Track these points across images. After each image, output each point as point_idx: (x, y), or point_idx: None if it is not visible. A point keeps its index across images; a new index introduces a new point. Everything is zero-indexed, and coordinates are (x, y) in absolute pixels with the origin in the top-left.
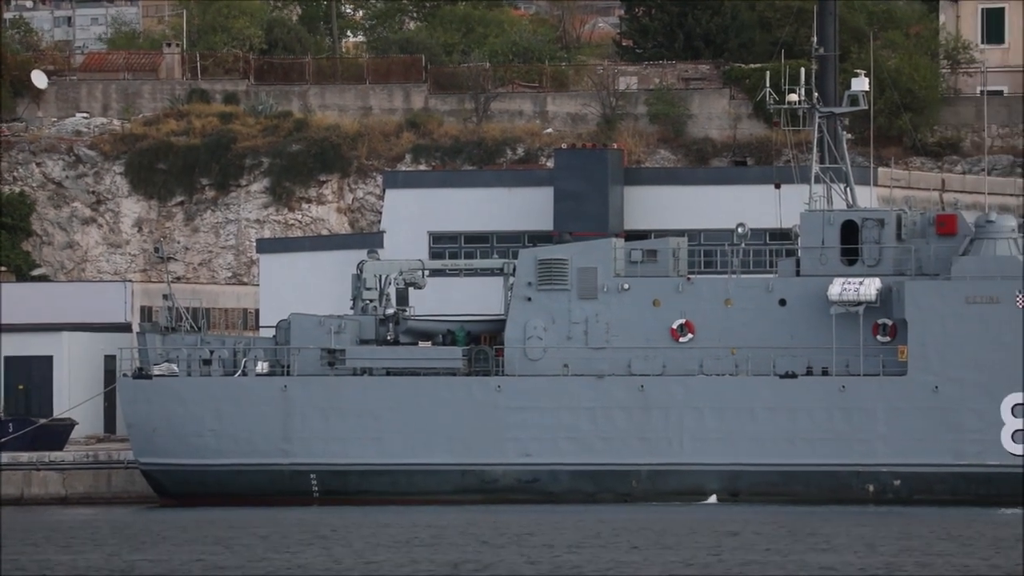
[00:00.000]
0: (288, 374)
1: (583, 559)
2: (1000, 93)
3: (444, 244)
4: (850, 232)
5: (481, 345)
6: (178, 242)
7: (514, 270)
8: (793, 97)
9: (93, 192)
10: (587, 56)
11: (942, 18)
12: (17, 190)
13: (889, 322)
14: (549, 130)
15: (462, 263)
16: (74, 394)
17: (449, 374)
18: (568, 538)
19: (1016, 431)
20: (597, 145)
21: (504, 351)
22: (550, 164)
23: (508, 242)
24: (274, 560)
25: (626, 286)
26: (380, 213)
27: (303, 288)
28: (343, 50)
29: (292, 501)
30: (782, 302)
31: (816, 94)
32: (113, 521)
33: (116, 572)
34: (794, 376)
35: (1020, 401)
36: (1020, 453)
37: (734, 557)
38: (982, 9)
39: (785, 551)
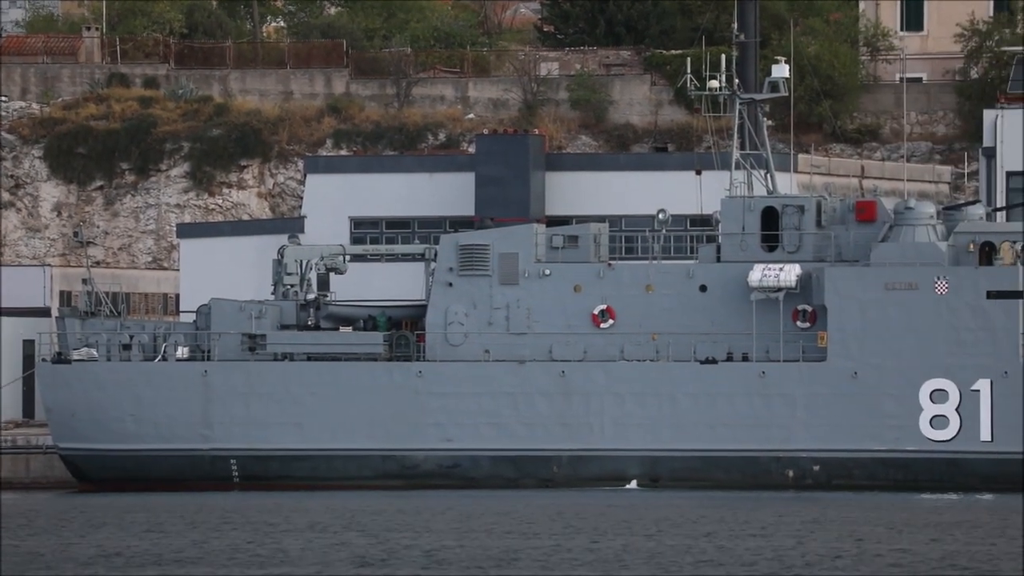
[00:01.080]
0: (208, 359)
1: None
2: (919, 80)
3: (365, 229)
4: (770, 218)
5: (402, 330)
6: (98, 226)
7: (435, 255)
8: (714, 84)
9: (12, 176)
10: (508, 42)
11: (862, 5)
12: None
13: (809, 308)
14: (470, 116)
15: (383, 248)
16: None
17: (370, 359)
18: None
19: (934, 417)
20: (518, 131)
21: (425, 336)
22: (471, 150)
23: (429, 227)
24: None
25: (547, 272)
26: (301, 198)
27: (224, 273)
28: (264, 35)
29: (212, 486)
30: (703, 288)
31: (737, 81)
32: (27, 506)
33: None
34: (714, 362)
35: (939, 387)
36: (938, 439)
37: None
38: None
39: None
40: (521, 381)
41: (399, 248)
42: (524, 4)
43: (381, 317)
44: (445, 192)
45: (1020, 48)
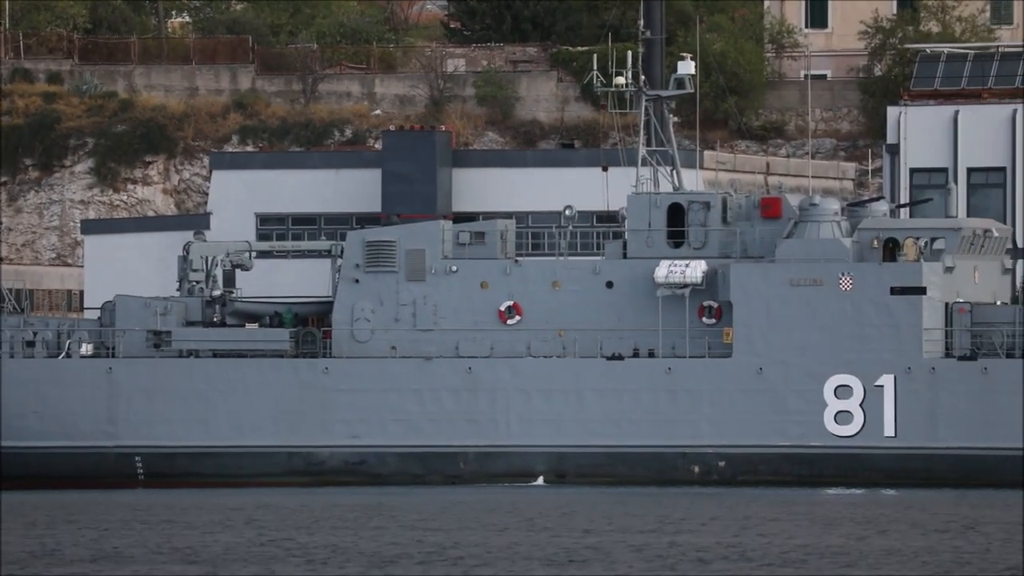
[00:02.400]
0: (113, 356)
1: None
2: (824, 77)
3: (271, 226)
4: (676, 215)
5: (308, 327)
6: (1, 223)
7: (342, 252)
8: (620, 80)
9: None
10: (415, 38)
11: (767, 3)
12: None
13: (715, 304)
14: (377, 112)
15: (289, 245)
16: None
17: (276, 356)
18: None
19: (839, 412)
20: (425, 127)
21: (332, 333)
22: (378, 146)
23: (336, 224)
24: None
25: (454, 268)
26: (207, 194)
27: (129, 270)
28: (169, 30)
29: (117, 484)
30: (609, 284)
31: (643, 77)
32: None
33: None
34: (621, 358)
35: (843, 383)
36: (842, 434)
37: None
38: None
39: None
40: (428, 377)
41: (305, 244)
42: (431, 1)
43: (287, 314)
44: (351, 188)
45: (923, 45)
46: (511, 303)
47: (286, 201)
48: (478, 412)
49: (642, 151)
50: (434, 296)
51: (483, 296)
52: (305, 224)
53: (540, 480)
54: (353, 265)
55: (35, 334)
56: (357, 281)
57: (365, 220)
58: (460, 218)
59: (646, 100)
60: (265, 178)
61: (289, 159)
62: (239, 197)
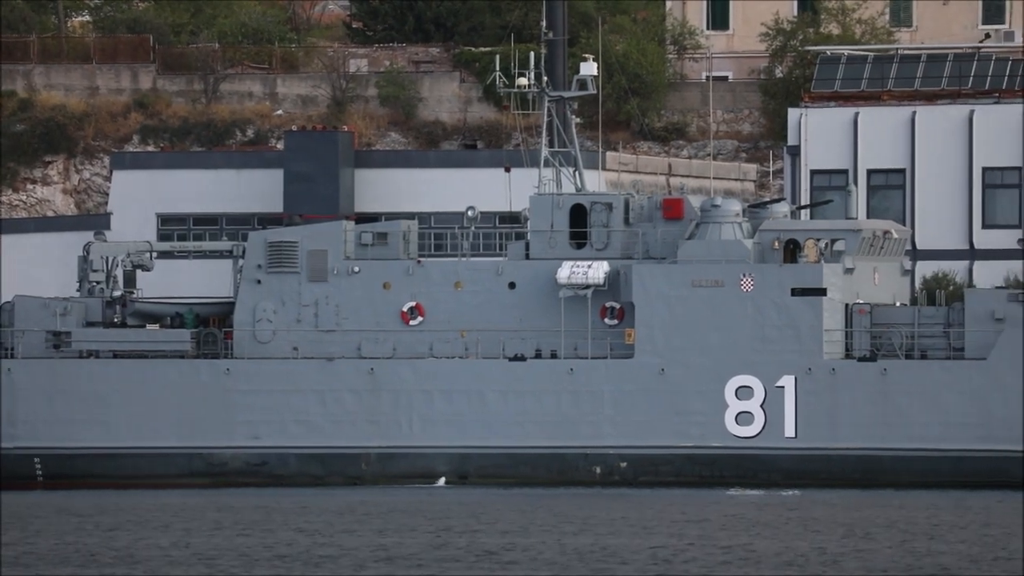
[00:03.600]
0: (12, 357)
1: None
2: (725, 79)
3: (173, 226)
4: (579, 216)
5: (210, 328)
6: None
7: (243, 252)
8: (523, 81)
9: None
10: (317, 38)
11: (668, 4)
12: None
13: (617, 305)
14: (279, 112)
15: (191, 245)
16: None
17: (177, 357)
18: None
19: (740, 413)
20: (327, 127)
21: (233, 334)
22: (280, 146)
23: (238, 224)
24: None
25: (356, 269)
26: (107, 195)
27: (28, 270)
28: (69, 29)
29: (15, 485)
30: (511, 285)
31: (545, 78)
32: None
33: None
34: (523, 359)
35: (744, 384)
36: (743, 435)
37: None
38: None
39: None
40: (330, 378)
41: (207, 245)
42: (333, 1)
43: (188, 314)
44: (253, 189)
45: (824, 48)
46: (413, 304)
47: (187, 201)
48: (380, 413)
49: (544, 152)
50: (336, 297)
51: (385, 297)
52: (206, 224)
53: (442, 481)
54: (255, 266)
55: None
56: (259, 282)
57: (267, 220)
58: (362, 219)
59: (549, 101)
60: (166, 178)
61: (190, 159)
62: (140, 197)
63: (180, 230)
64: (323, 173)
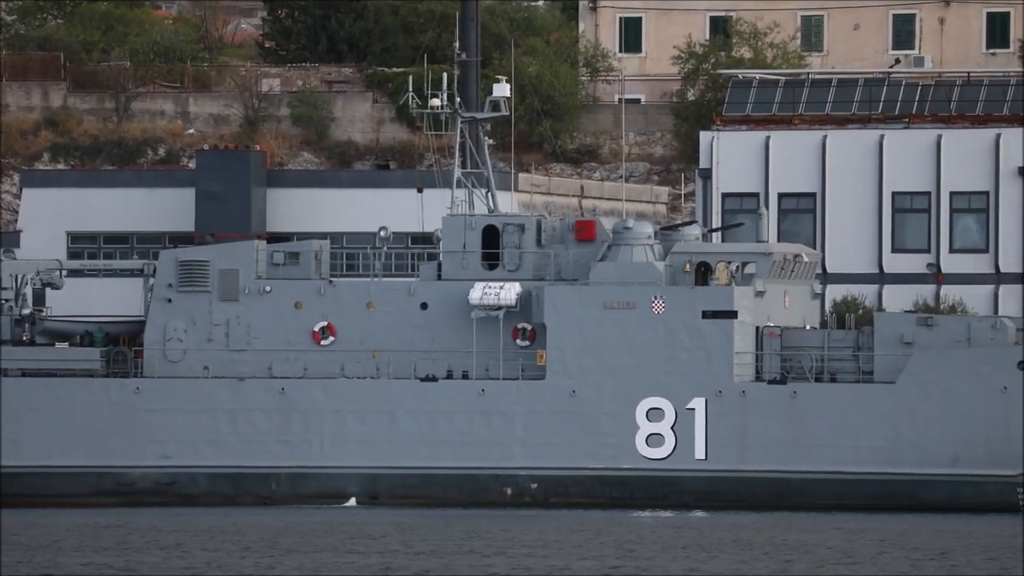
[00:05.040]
0: None
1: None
2: (638, 101)
3: (83, 244)
4: (491, 237)
5: (120, 347)
6: None
7: (154, 271)
8: (436, 102)
9: None
10: (230, 57)
11: (581, 26)
12: None
13: (529, 327)
14: (191, 131)
15: (101, 263)
16: None
17: (87, 375)
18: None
19: (650, 435)
20: (239, 147)
21: (143, 353)
22: (192, 165)
23: (148, 243)
24: None
25: (268, 288)
26: (17, 212)
27: None
28: None
29: None
30: (423, 306)
31: (458, 99)
32: None
33: None
34: (434, 379)
35: (655, 405)
36: (654, 456)
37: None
38: (620, 18)
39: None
40: (240, 398)
41: (117, 263)
42: (245, 20)
43: (98, 333)
44: (164, 207)
45: (735, 71)
46: (325, 324)
47: (98, 219)
48: (291, 433)
49: (457, 173)
50: (247, 316)
51: (297, 317)
52: (117, 243)
53: (352, 501)
54: (166, 284)
55: None
56: (170, 300)
57: (178, 239)
58: (274, 238)
59: (461, 122)
60: (77, 196)
61: (101, 177)
62: (50, 215)
63: (90, 248)
64: (235, 192)
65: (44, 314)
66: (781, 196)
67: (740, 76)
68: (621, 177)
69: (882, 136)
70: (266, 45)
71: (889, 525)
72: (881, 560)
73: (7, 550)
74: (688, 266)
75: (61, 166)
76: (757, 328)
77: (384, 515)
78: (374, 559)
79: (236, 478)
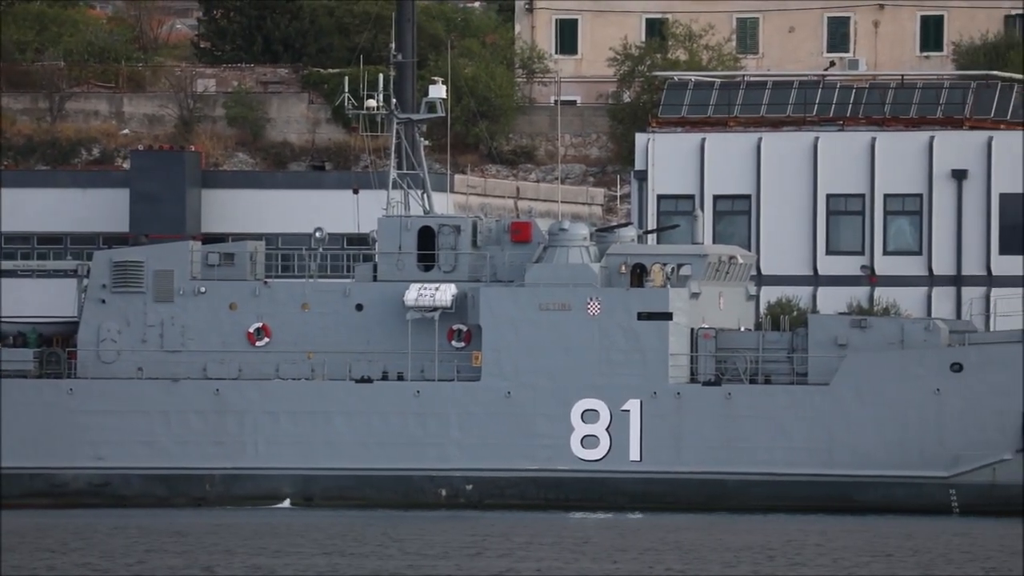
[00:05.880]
0: None
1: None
2: (573, 103)
3: (16, 245)
4: (427, 238)
5: (53, 347)
6: None
7: (88, 272)
8: (371, 103)
9: None
10: (165, 57)
11: (517, 27)
12: None
13: (464, 328)
14: (126, 131)
15: (34, 264)
16: None
17: (19, 376)
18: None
19: (585, 436)
20: (174, 147)
21: (77, 354)
22: (126, 165)
23: (82, 243)
24: None
25: (203, 289)
26: None
27: None
28: None
29: None
30: (359, 307)
31: (394, 100)
32: None
33: None
34: (370, 381)
35: (590, 407)
36: (589, 458)
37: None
38: (556, 20)
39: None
40: (174, 399)
41: (51, 264)
42: (180, 20)
43: (31, 333)
44: (99, 208)
45: (671, 73)
46: (260, 325)
47: (31, 220)
48: (225, 434)
49: (393, 174)
50: (182, 317)
51: (232, 318)
52: (51, 243)
53: (287, 502)
54: (99, 285)
55: None
56: (104, 301)
57: (112, 240)
58: (209, 239)
59: (397, 123)
60: (10, 197)
61: (35, 177)
62: None
63: (24, 249)
64: (169, 193)
65: None
66: (716, 198)
67: (675, 78)
68: (557, 179)
69: (817, 138)
70: (201, 45)
71: (825, 526)
72: (822, 560)
73: None
74: (623, 268)
75: None
76: (692, 330)
77: (318, 517)
78: (313, 560)
79: (170, 479)
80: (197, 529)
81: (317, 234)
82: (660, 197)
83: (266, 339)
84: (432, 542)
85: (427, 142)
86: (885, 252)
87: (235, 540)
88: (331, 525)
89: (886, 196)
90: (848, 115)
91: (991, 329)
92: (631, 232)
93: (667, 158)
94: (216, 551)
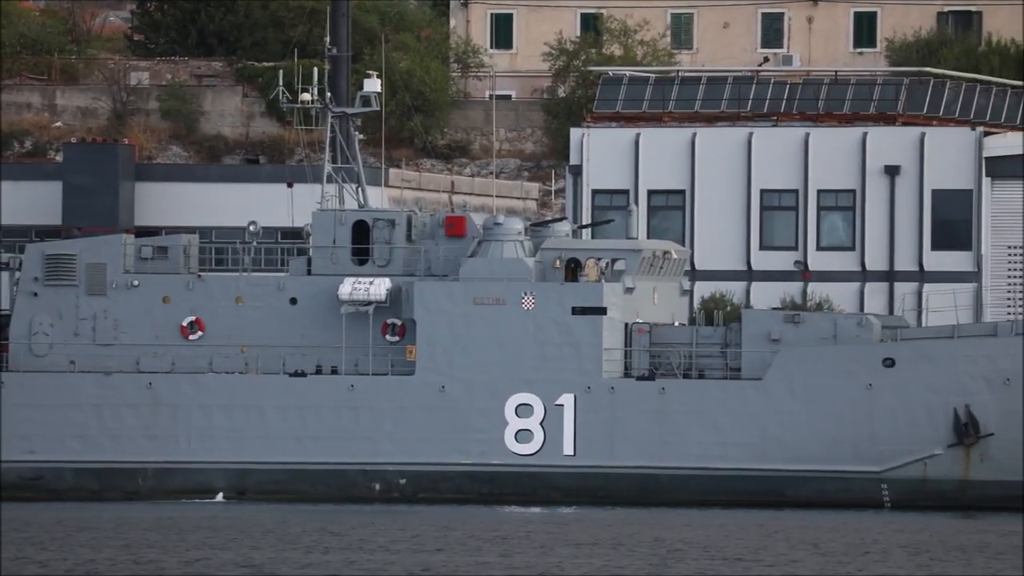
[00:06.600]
0: None
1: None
2: (509, 98)
3: None
4: (361, 232)
5: None
6: None
7: (20, 265)
8: (306, 97)
9: None
10: (98, 50)
11: (452, 22)
12: None
13: (398, 322)
14: (58, 124)
15: None
16: None
17: None
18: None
19: (519, 431)
20: (107, 140)
21: (8, 347)
22: (59, 158)
23: (14, 237)
24: None
25: (136, 283)
26: None
27: None
28: None
29: None
30: (293, 301)
31: (329, 94)
32: None
33: None
34: (303, 375)
35: (524, 401)
36: (523, 452)
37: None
38: (491, 14)
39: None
40: (107, 392)
41: None
42: (114, 12)
43: None
44: (31, 201)
45: (606, 68)
46: (193, 318)
47: None
48: (158, 428)
49: (327, 168)
50: (115, 311)
51: (165, 311)
52: None
53: (220, 496)
54: (32, 278)
55: None
56: (36, 294)
57: (45, 233)
58: (143, 232)
59: (332, 117)
60: None
61: None
62: None
63: None
64: (103, 186)
65: None
66: (651, 193)
67: (610, 73)
68: (492, 173)
69: (751, 134)
70: (135, 38)
71: (759, 520)
72: (762, 555)
73: None
74: (558, 262)
75: None
76: (626, 324)
77: (252, 510)
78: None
79: (102, 473)
80: (131, 524)
81: (251, 228)
82: (595, 192)
83: (199, 333)
84: (365, 536)
85: (362, 136)
86: (818, 248)
87: (169, 534)
88: (266, 520)
89: (819, 192)
90: (782, 111)
91: (923, 325)
92: (565, 227)
93: (602, 153)
94: (147, 546)
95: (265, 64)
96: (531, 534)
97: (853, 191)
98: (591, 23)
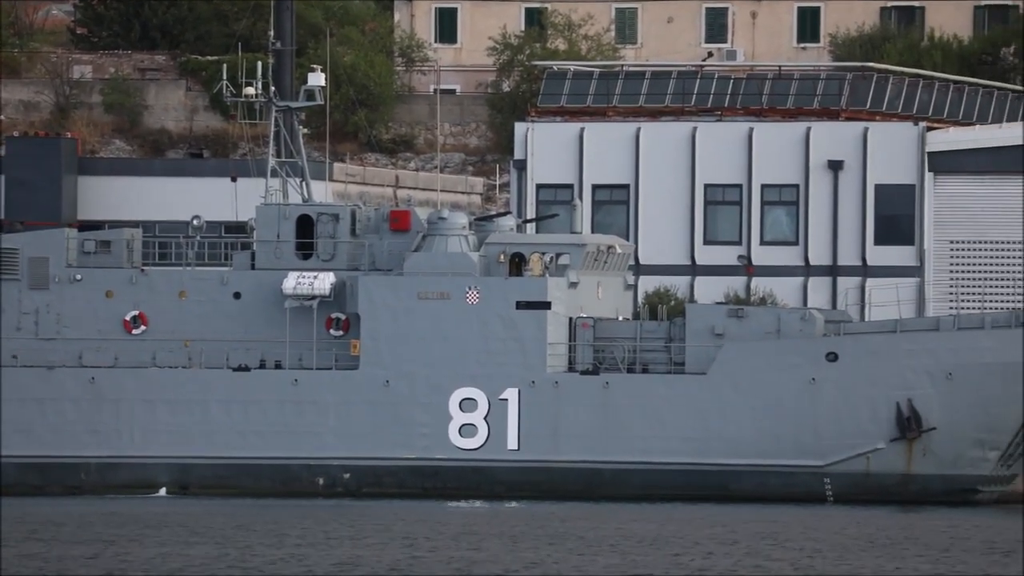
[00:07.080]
0: None
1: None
2: (453, 92)
3: None
4: (305, 226)
5: None
6: None
7: None
8: (250, 90)
9: None
10: (40, 43)
11: (397, 16)
12: None
13: (343, 316)
14: (1, 117)
15: None
16: None
17: None
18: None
19: (463, 425)
20: (50, 134)
21: None
22: (1, 152)
23: None
24: None
25: (79, 277)
26: None
27: None
28: None
29: None
30: (237, 295)
31: (273, 88)
32: None
33: None
34: (247, 369)
35: (468, 396)
36: (467, 447)
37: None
38: (435, 8)
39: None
40: (50, 387)
41: None
42: (56, 5)
43: None
44: None
45: (550, 63)
46: (136, 313)
47: None
48: (101, 422)
49: (271, 162)
50: (57, 305)
51: (108, 305)
52: None
53: (163, 491)
54: None
55: None
56: None
57: None
58: (86, 226)
59: (276, 111)
60: None
61: None
62: None
63: None
64: (45, 180)
65: None
66: (595, 187)
67: (555, 68)
68: (436, 167)
69: (695, 128)
70: (78, 31)
71: (703, 515)
72: (706, 548)
73: None
74: (502, 257)
75: None
76: (570, 319)
77: (195, 505)
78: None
79: (44, 468)
80: (71, 519)
81: (195, 222)
82: (539, 186)
83: (143, 327)
84: (312, 531)
85: (306, 130)
86: (762, 242)
87: (111, 529)
88: (208, 514)
89: (763, 186)
90: (726, 105)
91: (866, 319)
92: (510, 221)
93: (546, 147)
94: (91, 541)
95: (209, 58)
96: (473, 528)
97: (797, 186)
98: (535, 18)
